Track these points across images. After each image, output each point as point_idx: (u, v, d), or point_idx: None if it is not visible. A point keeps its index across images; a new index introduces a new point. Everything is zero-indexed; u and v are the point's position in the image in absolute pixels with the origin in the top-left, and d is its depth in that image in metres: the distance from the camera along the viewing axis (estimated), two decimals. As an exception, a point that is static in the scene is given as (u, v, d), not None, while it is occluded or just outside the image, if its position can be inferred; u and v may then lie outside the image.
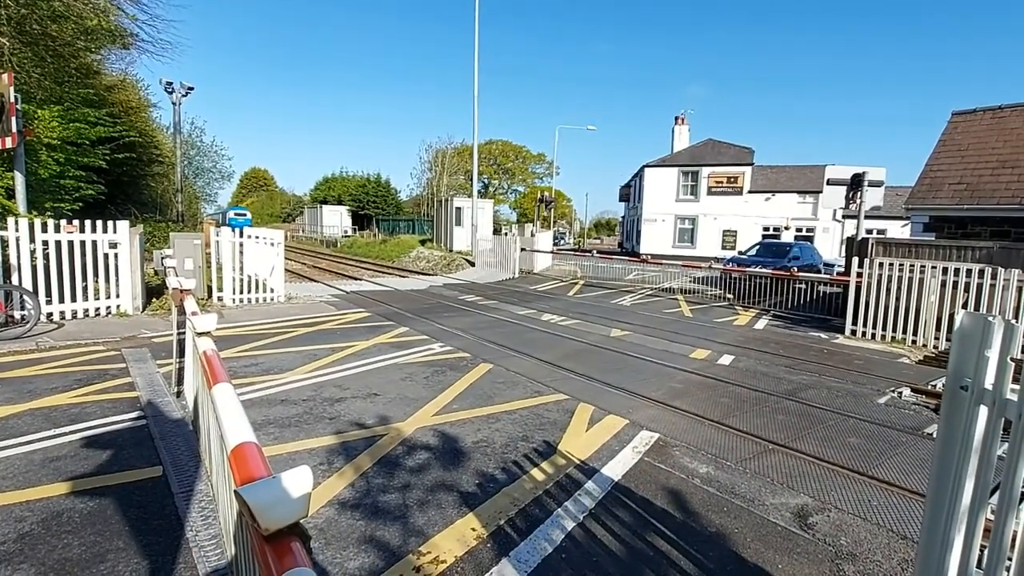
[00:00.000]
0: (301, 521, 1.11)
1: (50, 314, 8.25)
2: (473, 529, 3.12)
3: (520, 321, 10.26)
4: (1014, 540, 1.65)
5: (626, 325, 10.20)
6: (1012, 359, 1.66)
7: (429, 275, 20.08)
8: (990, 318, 1.69)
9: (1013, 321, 1.66)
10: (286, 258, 12.92)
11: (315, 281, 17.18)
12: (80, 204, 12.57)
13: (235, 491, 1.16)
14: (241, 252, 11.41)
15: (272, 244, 11.90)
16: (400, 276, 19.14)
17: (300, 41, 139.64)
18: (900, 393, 6.17)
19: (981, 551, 1.75)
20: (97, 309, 8.86)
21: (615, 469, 3.97)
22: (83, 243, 8.54)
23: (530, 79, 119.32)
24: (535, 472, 3.88)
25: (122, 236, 8.96)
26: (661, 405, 5.49)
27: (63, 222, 8.48)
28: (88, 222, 8.66)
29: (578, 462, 4.07)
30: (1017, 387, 1.62)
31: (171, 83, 22.81)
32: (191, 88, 23.28)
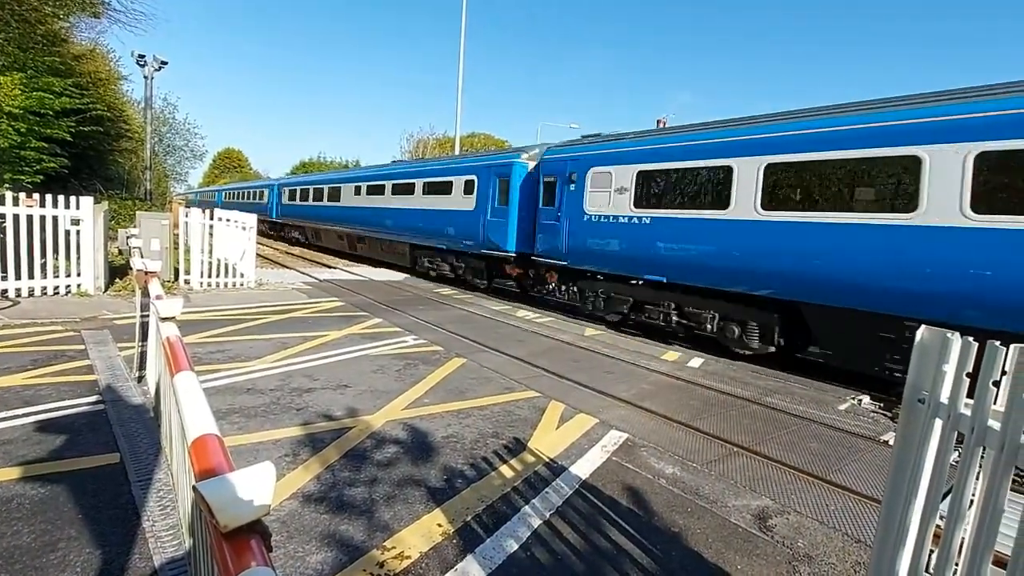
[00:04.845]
0: (262, 517, 1.08)
1: (5, 291, 7.92)
2: (440, 525, 3.11)
3: (494, 316, 10.26)
4: (961, 546, 1.72)
5: (600, 324, 10.28)
6: (967, 374, 1.72)
7: (405, 266, 19.87)
8: (948, 334, 1.75)
9: (970, 338, 1.72)
10: (257, 242, 12.62)
11: (287, 268, 16.85)
12: (41, 177, 12.10)
13: (194, 486, 1.13)
14: (211, 234, 11.12)
15: (244, 227, 11.64)
16: (375, 266, 18.92)
17: (279, 22, 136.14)
18: (860, 401, 6.37)
19: (930, 556, 1.82)
20: (56, 288, 8.54)
21: (583, 468, 4.00)
22: (43, 218, 8.21)
23: (514, 74, 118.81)
24: (504, 469, 3.89)
25: (85, 212, 8.64)
26: (631, 405, 5.55)
27: (23, 195, 8.13)
28: (49, 196, 8.32)
29: (547, 460, 4.10)
30: (971, 402, 1.68)
31: (143, 56, 21.83)
32: (164, 62, 22.34)
